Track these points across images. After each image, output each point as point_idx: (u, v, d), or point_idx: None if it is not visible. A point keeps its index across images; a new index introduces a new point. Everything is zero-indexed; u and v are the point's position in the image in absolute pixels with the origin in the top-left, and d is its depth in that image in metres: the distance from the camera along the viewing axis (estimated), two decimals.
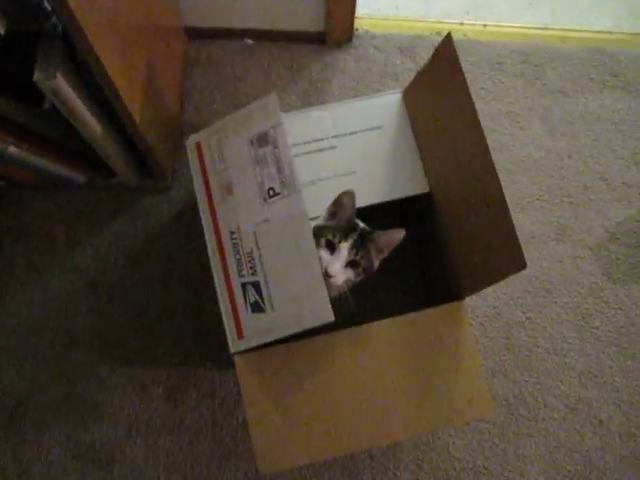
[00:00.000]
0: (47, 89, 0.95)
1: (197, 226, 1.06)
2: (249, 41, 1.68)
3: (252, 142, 1.04)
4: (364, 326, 1.04)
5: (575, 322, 1.49)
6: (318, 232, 1.03)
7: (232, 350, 0.98)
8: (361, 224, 1.08)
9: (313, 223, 1.05)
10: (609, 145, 1.64)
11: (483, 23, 1.78)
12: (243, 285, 0.99)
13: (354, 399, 1.02)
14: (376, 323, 1.04)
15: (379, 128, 1.25)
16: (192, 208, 1.09)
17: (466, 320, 1.07)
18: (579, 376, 1.46)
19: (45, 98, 1.10)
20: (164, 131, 1.44)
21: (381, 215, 1.16)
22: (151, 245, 1.50)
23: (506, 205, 0.89)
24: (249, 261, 0.99)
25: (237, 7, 1.56)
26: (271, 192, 1.00)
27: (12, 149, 1.13)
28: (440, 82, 1.09)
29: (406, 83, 1.24)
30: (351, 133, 1.24)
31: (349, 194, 1.02)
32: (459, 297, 1.08)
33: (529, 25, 1.80)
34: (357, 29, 1.71)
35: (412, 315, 1.05)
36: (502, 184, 0.90)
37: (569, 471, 1.40)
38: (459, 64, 0.97)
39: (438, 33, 1.73)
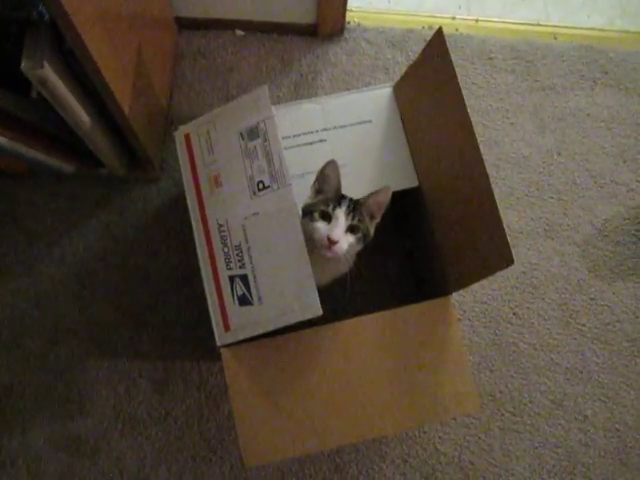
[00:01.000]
0: (34, 78, 0.94)
1: (186, 217, 1.05)
2: (240, 32, 1.67)
3: (242, 135, 1.03)
4: (351, 320, 1.04)
5: (562, 318, 1.50)
6: (309, 209, 1.02)
7: (219, 343, 0.97)
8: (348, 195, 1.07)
9: (300, 205, 1.05)
10: (598, 142, 1.65)
11: (475, 18, 1.78)
12: (231, 278, 0.98)
13: (340, 393, 1.02)
14: (363, 317, 1.04)
15: (369, 122, 1.25)
16: (181, 199, 1.08)
17: (453, 315, 1.07)
18: (565, 372, 1.47)
19: (32, 87, 1.08)
20: (153, 122, 1.43)
21: None
22: (139, 236, 1.49)
23: (494, 201, 0.89)
24: (237, 254, 0.98)
25: None
26: (261, 185, 0.99)
27: None
28: (431, 77, 1.09)
29: (397, 77, 1.24)
30: (341, 126, 1.24)
31: (332, 164, 1.02)
32: (447, 292, 1.08)
33: (521, 21, 1.81)
34: (349, 22, 1.70)
35: (399, 310, 1.05)
36: (491, 180, 0.90)
37: (554, 466, 1.41)
38: (450, 59, 0.97)
39: (430, 27, 1.72)
